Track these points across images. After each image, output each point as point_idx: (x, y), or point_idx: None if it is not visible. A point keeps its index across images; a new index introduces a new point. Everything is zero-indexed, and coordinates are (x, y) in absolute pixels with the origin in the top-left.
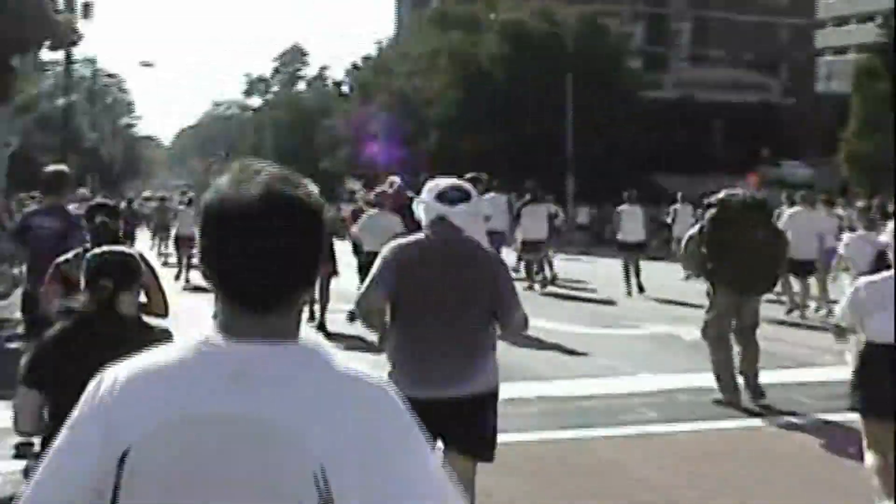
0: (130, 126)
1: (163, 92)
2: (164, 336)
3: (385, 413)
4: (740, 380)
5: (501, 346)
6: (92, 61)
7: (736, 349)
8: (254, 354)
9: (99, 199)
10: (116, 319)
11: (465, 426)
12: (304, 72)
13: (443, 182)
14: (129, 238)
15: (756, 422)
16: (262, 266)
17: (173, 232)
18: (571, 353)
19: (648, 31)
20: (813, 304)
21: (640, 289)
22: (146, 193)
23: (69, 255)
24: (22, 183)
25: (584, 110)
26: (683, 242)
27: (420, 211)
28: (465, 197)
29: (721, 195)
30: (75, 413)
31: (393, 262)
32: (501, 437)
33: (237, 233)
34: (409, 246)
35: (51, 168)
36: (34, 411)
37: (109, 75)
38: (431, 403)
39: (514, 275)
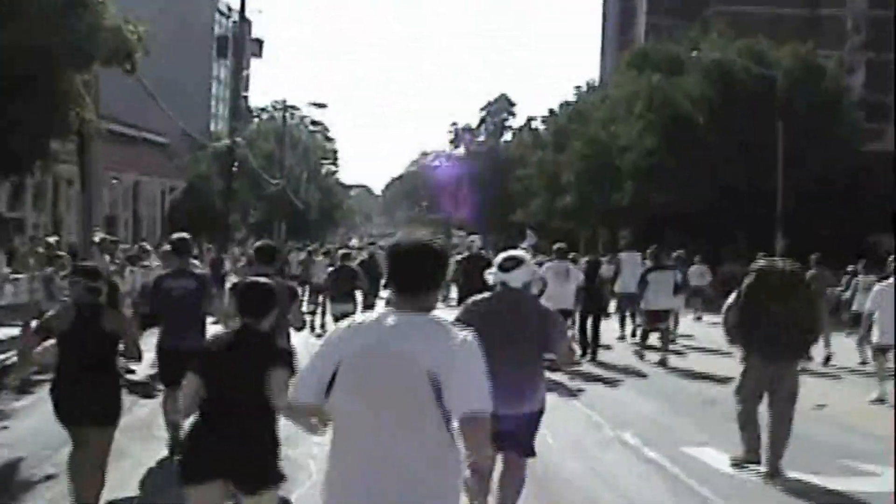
0: (332, 173)
1: (372, 142)
2: (286, 351)
3: (464, 347)
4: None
5: None
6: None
7: (766, 421)
8: (404, 319)
9: (87, 265)
10: (257, 335)
11: (523, 434)
12: (511, 122)
13: (502, 255)
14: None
15: None
16: (411, 275)
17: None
18: None
19: (869, 77)
20: None
21: None
22: (353, 242)
23: (54, 311)
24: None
25: (796, 162)
26: (724, 310)
27: (490, 277)
28: (518, 265)
29: (760, 263)
30: (323, 341)
31: (475, 310)
32: None
33: (403, 259)
34: (484, 300)
35: (175, 235)
36: (193, 393)
37: (314, 122)
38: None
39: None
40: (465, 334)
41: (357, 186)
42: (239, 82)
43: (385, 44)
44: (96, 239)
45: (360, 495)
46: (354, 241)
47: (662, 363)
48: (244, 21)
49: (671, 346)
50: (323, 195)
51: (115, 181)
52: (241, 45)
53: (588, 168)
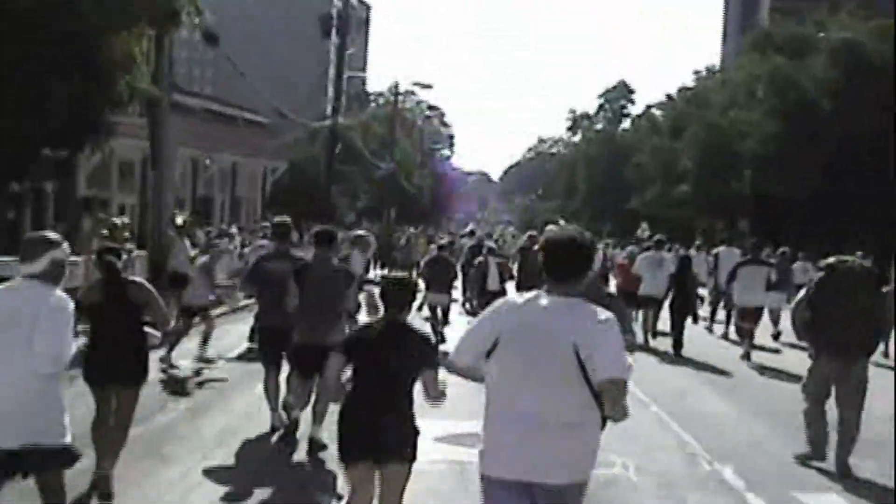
0: (447, 158)
1: (491, 129)
2: (426, 337)
3: (605, 325)
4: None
5: None
6: (411, 93)
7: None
8: (554, 301)
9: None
10: (400, 325)
11: None
12: (630, 109)
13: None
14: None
15: None
16: (564, 264)
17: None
18: None
19: None
20: None
21: None
22: (471, 227)
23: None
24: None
25: None
26: (793, 307)
27: None
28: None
29: (830, 261)
30: (485, 314)
31: None
32: None
33: (558, 250)
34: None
35: (276, 219)
36: (338, 374)
37: (430, 107)
38: None
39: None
40: (608, 315)
41: (475, 173)
42: (343, 62)
43: (504, 30)
44: (179, 221)
45: (515, 446)
46: (471, 227)
47: (746, 357)
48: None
49: (773, 345)
50: (436, 181)
51: (208, 161)
52: (345, 25)
53: (706, 155)
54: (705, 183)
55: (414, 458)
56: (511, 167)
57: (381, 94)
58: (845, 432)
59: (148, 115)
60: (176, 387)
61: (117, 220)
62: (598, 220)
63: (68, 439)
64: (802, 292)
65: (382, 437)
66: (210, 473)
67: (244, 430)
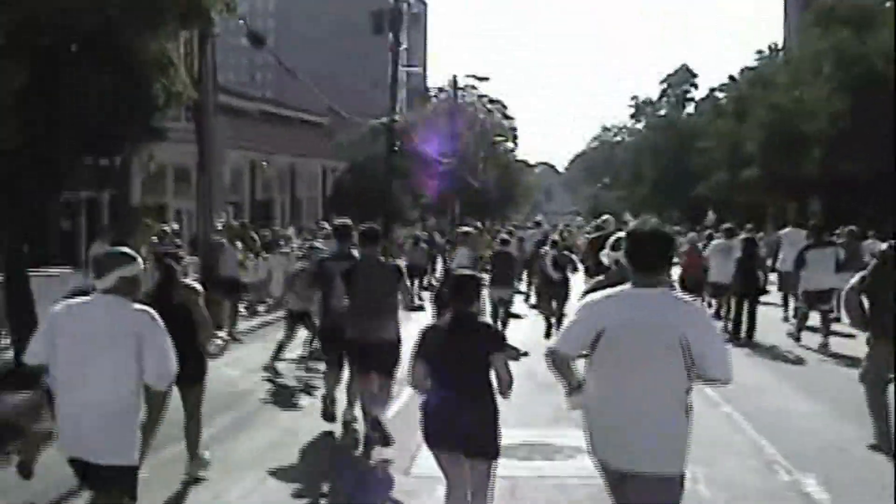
0: (510, 150)
1: (555, 119)
2: (489, 325)
3: (703, 316)
4: None
5: None
6: (472, 87)
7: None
8: (649, 293)
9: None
10: (471, 318)
11: None
12: (694, 94)
13: (614, 237)
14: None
15: None
16: (651, 256)
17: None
18: None
19: None
20: None
21: None
22: (538, 218)
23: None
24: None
25: None
26: (845, 292)
27: (604, 258)
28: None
29: (884, 246)
30: (581, 307)
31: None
32: None
33: (643, 243)
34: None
35: (338, 221)
36: (422, 377)
37: (492, 101)
38: None
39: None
40: (699, 303)
41: (540, 164)
42: (397, 58)
43: (562, 20)
44: (219, 226)
45: (623, 431)
46: (540, 218)
47: (823, 347)
48: None
49: (848, 329)
50: (501, 173)
51: (264, 163)
52: (398, 20)
53: (772, 136)
54: (773, 165)
55: (497, 453)
56: (576, 157)
57: (442, 90)
58: None
59: (195, 118)
60: (281, 395)
61: (166, 227)
62: (666, 208)
63: (136, 459)
64: (856, 277)
65: (465, 432)
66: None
67: (286, 446)
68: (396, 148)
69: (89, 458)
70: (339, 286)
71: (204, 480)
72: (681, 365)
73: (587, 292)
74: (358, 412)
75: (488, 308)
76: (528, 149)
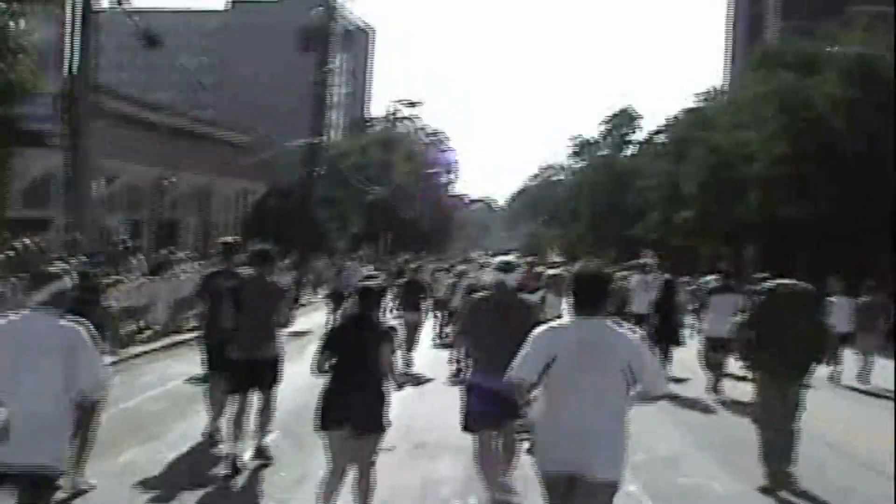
0: (447, 184)
1: (496, 155)
2: (385, 328)
3: (641, 344)
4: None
5: None
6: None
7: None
8: (594, 323)
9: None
10: (368, 320)
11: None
12: (635, 136)
13: (500, 259)
14: None
15: None
16: (593, 293)
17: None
18: None
19: None
20: None
21: None
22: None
23: None
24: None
25: None
26: (734, 329)
27: (487, 277)
28: (514, 269)
29: (770, 285)
30: (534, 337)
31: (468, 308)
32: None
33: (586, 282)
34: (482, 299)
35: (224, 239)
36: (323, 364)
37: (432, 133)
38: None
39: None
40: (638, 334)
41: (479, 200)
42: (325, 77)
43: (508, 60)
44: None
45: (570, 439)
46: (475, 255)
47: (713, 389)
48: (329, 11)
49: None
50: (435, 207)
51: (166, 182)
52: (325, 39)
53: (710, 179)
54: (710, 208)
55: (383, 428)
56: (517, 194)
57: (383, 119)
58: (785, 447)
59: (66, 121)
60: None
61: (27, 242)
62: (603, 247)
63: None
64: (742, 316)
65: (359, 409)
66: None
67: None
68: (319, 173)
69: (14, 460)
70: (226, 304)
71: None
72: (623, 386)
73: (467, 305)
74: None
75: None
76: (469, 184)
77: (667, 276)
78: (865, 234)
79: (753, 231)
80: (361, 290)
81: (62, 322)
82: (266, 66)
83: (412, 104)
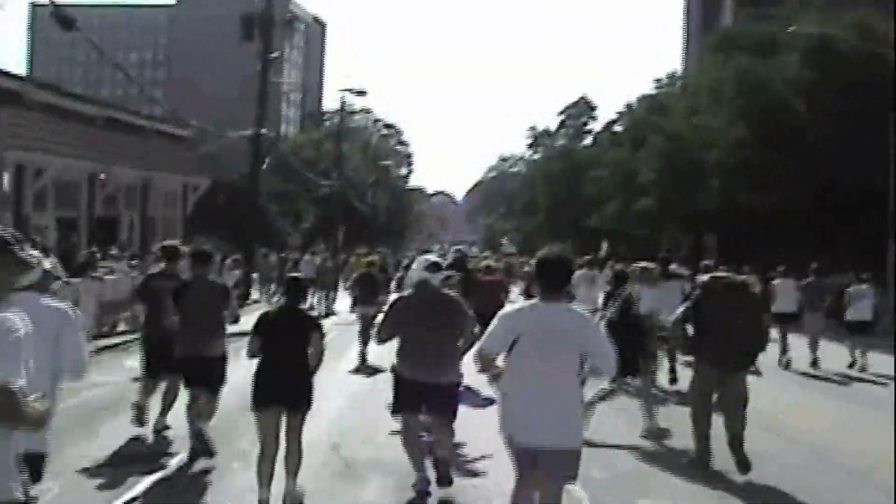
0: (404, 177)
1: (452, 146)
2: (314, 317)
3: (595, 326)
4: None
5: None
6: (366, 111)
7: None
8: (555, 308)
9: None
10: (297, 311)
11: (444, 400)
12: (592, 125)
13: (425, 259)
14: None
15: None
16: (556, 277)
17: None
18: None
19: None
20: None
21: None
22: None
23: None
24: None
25: None
26: (672, 321)
27: (413, 275)
28: (439, 269)
29: (706, 278)
30: (501, 316)
31: (393, 307)
32: None
33: (549, 266)
34: (404, 297)
35: (167, 242)
36: (257, 349)
37: (387, 125)
38: (417, 383)
39: None
40: (595, 319)
41: (438, 193)
42: (267, 66)
43: (463, 51)
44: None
45: (533, 413)
46: (436, 249)
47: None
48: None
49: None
50: (392, 200)
51: (102, 177)
52: (269, 27)
53: (668, 166)
54: (668, 196)
55: (310, 405)
56: (474, 186)
57: (337, 112)
58: (733, 435)
59: None
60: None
61: None
62: (560, 238)
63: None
64: (682, 308)
65: (288, 389)
66: None
67: None
68: (266, 165)
69: None
70: (168, 305)
71: None
72: (577, 363)
73: (392, 304)
74: (170, 421)
75: (357, 325)
76: (427, 177)
77: (618, 266)
78: (825, 217)
79: (713, 218)
80: (289, 280)
81: (48, 302)
82: (215, 59)
83: (360, 93)
